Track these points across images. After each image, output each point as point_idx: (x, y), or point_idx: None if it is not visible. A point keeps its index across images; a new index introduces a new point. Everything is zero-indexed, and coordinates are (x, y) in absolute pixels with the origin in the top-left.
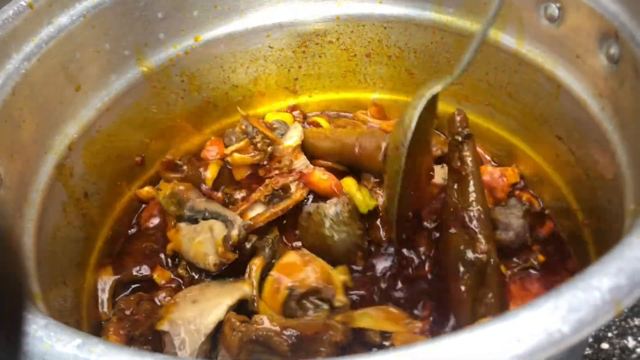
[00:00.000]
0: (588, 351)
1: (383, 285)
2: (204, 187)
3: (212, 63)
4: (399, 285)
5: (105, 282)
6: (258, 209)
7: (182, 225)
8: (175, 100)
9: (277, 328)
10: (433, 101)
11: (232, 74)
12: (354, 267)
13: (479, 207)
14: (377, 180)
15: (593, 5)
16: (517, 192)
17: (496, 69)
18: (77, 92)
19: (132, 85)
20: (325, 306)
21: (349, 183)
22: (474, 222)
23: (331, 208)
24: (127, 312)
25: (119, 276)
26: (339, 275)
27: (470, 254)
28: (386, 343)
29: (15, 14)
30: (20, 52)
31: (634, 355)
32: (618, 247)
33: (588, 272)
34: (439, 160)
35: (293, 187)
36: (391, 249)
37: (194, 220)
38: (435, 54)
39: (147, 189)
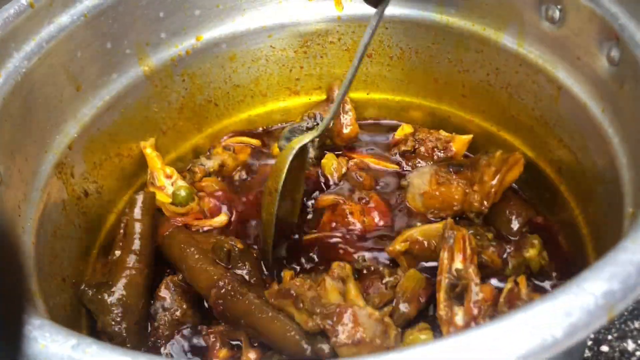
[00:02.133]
0: (588, 354)
1: None
2: None
3: (214, 62)
4: None
5: None
6: None
7: None
8: (176, 100)
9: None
10: (302, 150)
11: (234, 73)
12: None
13: None
14: None
15: (594, 7)
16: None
17: (497, 69)
18: (77, 91)
19: (133, 85)
20: None
21: None
22: None
23: None
24: None
25: None
26: None
27: None
28: None
29: (16, 13)
30: (21, 51)
31: (634, 358)
32: (612, 252)
33: (581, 277)
34: None
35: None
36: None
37: None
38: (437, 54)
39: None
